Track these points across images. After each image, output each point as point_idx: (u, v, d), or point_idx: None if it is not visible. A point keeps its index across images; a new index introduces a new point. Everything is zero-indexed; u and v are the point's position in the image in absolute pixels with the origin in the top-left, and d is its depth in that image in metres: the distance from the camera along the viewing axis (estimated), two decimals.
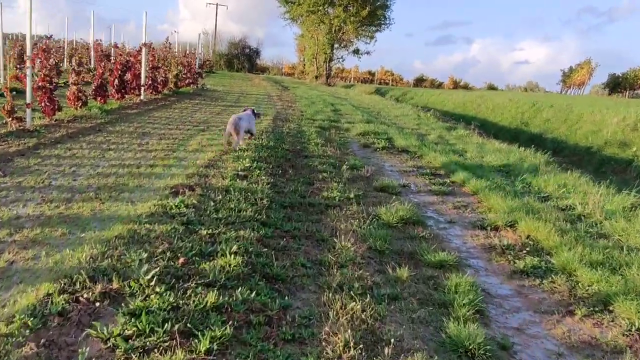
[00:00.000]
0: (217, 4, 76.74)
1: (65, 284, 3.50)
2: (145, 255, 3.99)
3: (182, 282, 3.69)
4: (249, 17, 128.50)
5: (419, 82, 71.34)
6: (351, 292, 3.98)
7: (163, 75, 17.19)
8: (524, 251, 5.52)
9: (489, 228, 6.30)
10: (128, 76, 14.48)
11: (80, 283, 3.51)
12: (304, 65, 51.90)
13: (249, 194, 6.05)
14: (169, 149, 8.62)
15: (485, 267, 5.20)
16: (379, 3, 43.23)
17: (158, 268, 3.78)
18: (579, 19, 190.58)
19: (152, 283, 3.57)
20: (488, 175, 8.92)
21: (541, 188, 8.45)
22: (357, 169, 8.65)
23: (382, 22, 44.71)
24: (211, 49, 67.02)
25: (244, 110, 9.65)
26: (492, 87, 70.19)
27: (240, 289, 3.68)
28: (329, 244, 5.05)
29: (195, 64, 21.26)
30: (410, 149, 11.29)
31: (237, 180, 6.59)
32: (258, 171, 7.23)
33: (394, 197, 7.20)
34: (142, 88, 15.11)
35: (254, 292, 3.67)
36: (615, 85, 49.97)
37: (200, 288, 3.62)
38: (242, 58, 74.15)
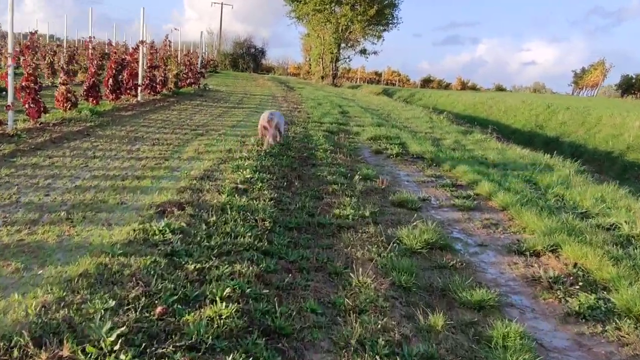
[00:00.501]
0: (222, 3, 76.23)
1: None
2: (112, 303, 3.12)
3: (156, 344, 2.83)
4: (255, 17, 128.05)
5: (426, 82, 70.41)
6: (376, 352, 3.11)
7: (162, 75, 16.37)
8: (576, 286, 4.62)
9: (527, 253, 5.40)
10: (125, 75, 13.69)
11: (20, 349, 2.66)
12: (310, 65, 50.98)
13: (248, 213, 5.18)
14: (161, 156, 7.77)
15: (531, 306, 4.31)
16: (387, 2, 42.27)
17: (127, 324, 2.91)
18: (586, 20, 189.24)
19: (117, 347, 2.70)
20: (515, 187, 8.03)
21: (577, 202, 7.53)
22: (371, 180, 7.78)
23: (390, 22, 43.79)
24: (215, 49, 66.40)
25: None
26: (500, 89, 69.13)
27: (232, 353, 2.81)
28: (343, 279, 4.18)
29: (197, 64, 20.44)
30: (426, 155, 10.40)
31: (236, 195, 5.72)
32: (260, 184, 6.37)
33: (414, 213, 6.33)
34: (139, 88, 14.29)
35: (250, 358, 2.81)
36: (629, 86, 48.75)
37: (179, 354, 2.75)
38: (247, 58, 73.56)
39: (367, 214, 5.88)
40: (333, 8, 42.04)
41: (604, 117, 20.71)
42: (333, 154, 9.44)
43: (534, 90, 67.85)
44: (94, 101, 11.77)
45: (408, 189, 7.76)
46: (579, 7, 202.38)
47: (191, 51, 27.78)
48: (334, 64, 44.67)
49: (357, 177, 7.66)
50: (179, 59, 19.36)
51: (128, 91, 13.87)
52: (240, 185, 6.20)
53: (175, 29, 16.91)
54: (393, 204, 6.75)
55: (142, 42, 14.30)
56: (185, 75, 18.83)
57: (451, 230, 6.07)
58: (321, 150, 9.59)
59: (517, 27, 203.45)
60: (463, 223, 6.38)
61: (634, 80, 48.44)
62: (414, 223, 5.72)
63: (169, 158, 7.68)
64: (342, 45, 44.39)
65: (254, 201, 5.61)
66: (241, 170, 6.88)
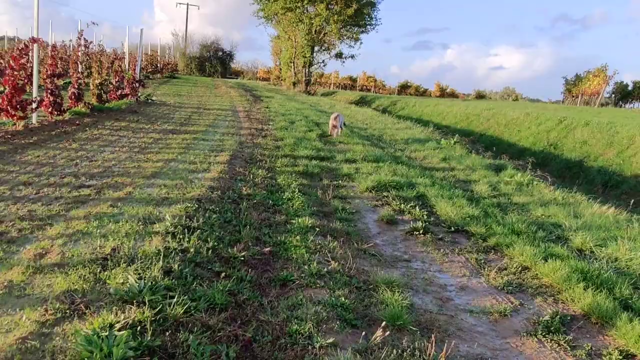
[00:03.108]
0: (187, 4, 71.68)
1: None
2: None
3: None
4: (228, 20, 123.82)
5: (404, 88, 66.84)
6: None
7: (76, 86, 11.88)
8: None
9: None
10: (6, 89, 9.27)
11: None
12: (280, 69, 46.50)
13: None
14: None
15: None
16: (364, 1, 38.14)
17: None
18: (553, 27, 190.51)
19: None
20: None
21: None
22: (409, 332, 3.62)
23: (368, 23, 39.67)
24: (174, 52, 61.93)
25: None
26: (480, 95, 66.06)
27: None
28: None
29: (135, 70, 15.97)
30: (470, 226, 6.32)
31: None
32: None
33: None
34: (31, 106, 9.83)
35: None
36: (626, 95, 45.71)
37: None
38: (215, 61, 69.53)
39: None
40: (306, 7, 37.66)
41: (638, 137, 17.05)
42: (320, 237, 5.26)
43: (517, 97, 64.99)
44: None
45: (486, 348, 3.64)
46: (546, 14, 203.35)
47: (122, 52, 23.06)
48: (306, 69, 40.21)
49: (379, 333, 3.46)
50: (106, 63, 14.86)
51: (13, 112, 9.41)
52: None
53: (93, 23, 12.47)
54: None
55: (34, 39, 9.83)
56: (114, 85, 14.34)
57: None
58: (297, 229, 5.37)
59: (486, 33, 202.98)
60: None
61: (630, 88, 45.42)
62: None
63: None
64: (316, 48, 40.01)
65: None
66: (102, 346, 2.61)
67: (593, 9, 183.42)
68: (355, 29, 39.51)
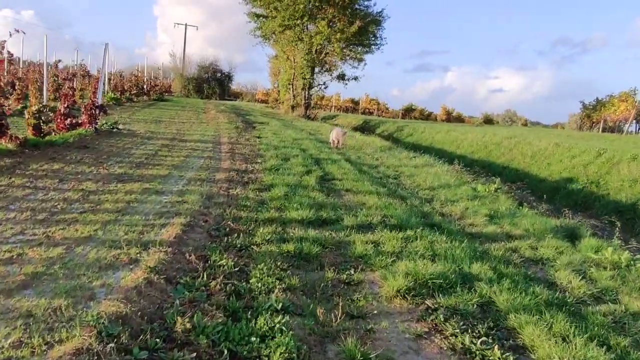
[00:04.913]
0: (185, 24, 69.69)
1: None
2: None
3: None
4: (230, 42, 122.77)
5: (408, 111, 64.12)
6: None
7: None
8: None
9: None
10: None
11: None
12: (279, 92, 43.72)
13: None
14: None
15: None
16: (369, 19, 35.47)
17: None
18: (553, 50, 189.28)
19: None
20: None
21: None
22: None
23: (373, 42, 36.90)
24: (166, 73, 59.70)
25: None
26: (488, 119, 63.36)
27: None
28: None
29: (96, 93, 13.00)
30: None
31: None
32: None
33: None
34: None
35: None
36: None
37: None
38: (213, 83, 67.45)
39: None
40: (305, 24, 34.95)
41: None
42: None
43: (525, 122, 62.29)
44: None
45: None
46: (546, 38, 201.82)
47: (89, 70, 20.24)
48: (306, 92, 37.34)
49: None
50: (52, 83, 11.84)
51: None
52: None
53: (17, 31, 9.61)
54: None
55: None
56: (61, 113, 11.38)
57: None
58: None
59: (486, 56, 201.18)
60: None
61: None
62: None
63: None
64: (317, 69, 37.18)
65: None
66: None
67: (593, 33, 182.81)
68: (359, 49, 36.74)
